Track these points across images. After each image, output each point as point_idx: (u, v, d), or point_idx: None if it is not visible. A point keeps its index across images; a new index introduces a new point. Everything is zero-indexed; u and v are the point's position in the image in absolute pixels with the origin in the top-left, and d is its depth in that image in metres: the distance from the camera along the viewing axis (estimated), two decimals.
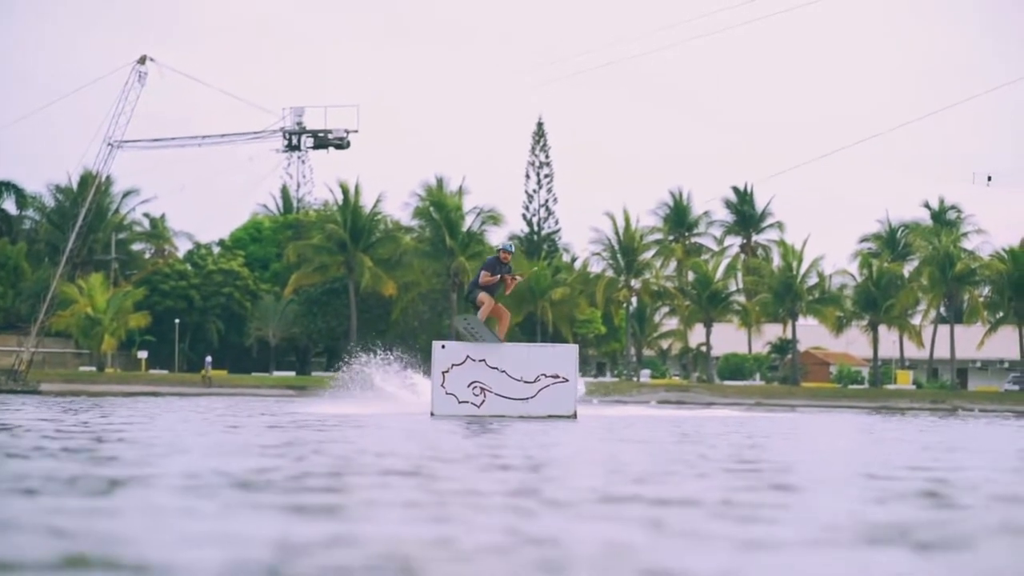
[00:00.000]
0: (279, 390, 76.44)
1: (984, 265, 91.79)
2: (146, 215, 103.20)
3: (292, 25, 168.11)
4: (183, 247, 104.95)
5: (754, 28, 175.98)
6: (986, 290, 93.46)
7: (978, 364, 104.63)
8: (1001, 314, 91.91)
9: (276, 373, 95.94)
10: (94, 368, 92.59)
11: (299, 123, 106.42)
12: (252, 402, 36.53)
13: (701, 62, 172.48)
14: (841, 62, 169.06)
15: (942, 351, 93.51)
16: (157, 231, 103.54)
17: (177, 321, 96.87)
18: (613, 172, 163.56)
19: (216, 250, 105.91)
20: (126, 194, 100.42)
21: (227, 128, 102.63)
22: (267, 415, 21.74)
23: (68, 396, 47.88)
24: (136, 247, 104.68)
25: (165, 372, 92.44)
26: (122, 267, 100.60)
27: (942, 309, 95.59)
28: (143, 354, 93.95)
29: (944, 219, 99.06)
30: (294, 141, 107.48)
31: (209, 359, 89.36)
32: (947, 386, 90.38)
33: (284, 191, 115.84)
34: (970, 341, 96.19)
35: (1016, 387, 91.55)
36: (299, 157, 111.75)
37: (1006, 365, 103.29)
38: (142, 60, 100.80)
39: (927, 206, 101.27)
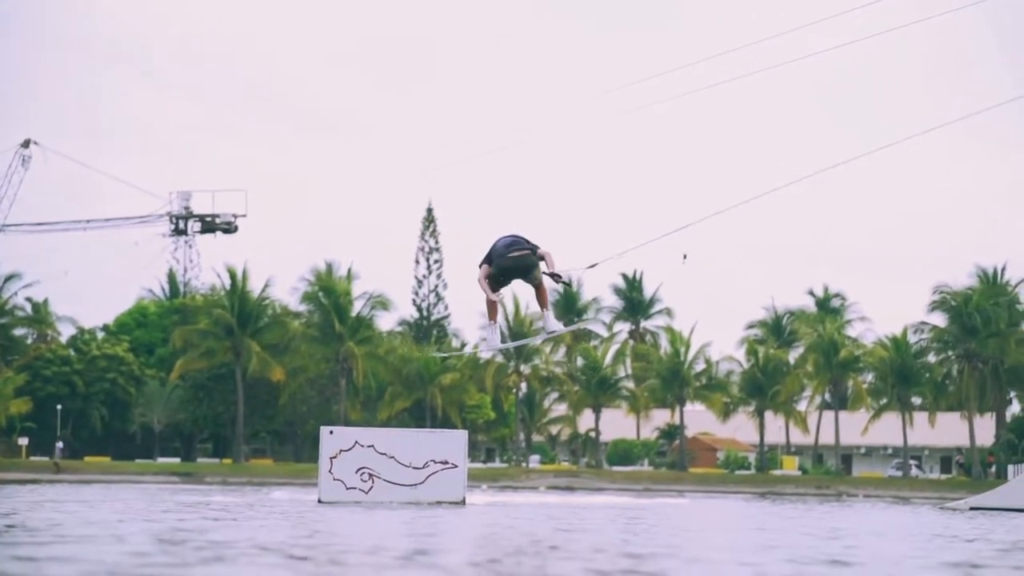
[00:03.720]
0: (163, 477, 75.23)
1: (868, 352, 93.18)
2: (28, 300, 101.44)
3: (179, 109, 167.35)
4: (66, 332, 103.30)
5: (640, 117, 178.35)
6: (870, 377, 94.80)
7: (862, 450, 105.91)
8: (885, 400, 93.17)
9: (160, 460, 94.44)
10: None
11: (186, 207, 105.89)
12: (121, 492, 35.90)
13: (586, 150, 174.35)
14: (730, 151, 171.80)
15: (827, 437, 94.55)
16: (40, 316, 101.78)
17: (59, 407, 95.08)
18: None
19: (100, 335, 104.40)
20: (8, 278, 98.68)
21: (112, 212, 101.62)
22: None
23: None
24: (18, 332, 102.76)
25: (46, 459, 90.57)
26: (3, 352, 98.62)
27: (827, 395, 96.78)
28: (23, 441, 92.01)
29: (829, 307, 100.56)
30: (181, 225, 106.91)
31: (60, 444, 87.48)
32: (832, 472, 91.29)
33: (171, 276, 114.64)
34: (854, 427, 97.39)
35: (899, 473, 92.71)
36: (186, 241, 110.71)
37: (889, 451, 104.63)
38: (25, 144, 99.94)
39: (812, 294, 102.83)
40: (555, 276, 19.38)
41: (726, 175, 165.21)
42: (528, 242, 19.33)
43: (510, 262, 19.02)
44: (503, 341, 19.28)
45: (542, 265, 19.35)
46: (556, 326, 20.33)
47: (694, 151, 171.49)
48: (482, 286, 19.57)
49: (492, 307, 19.85)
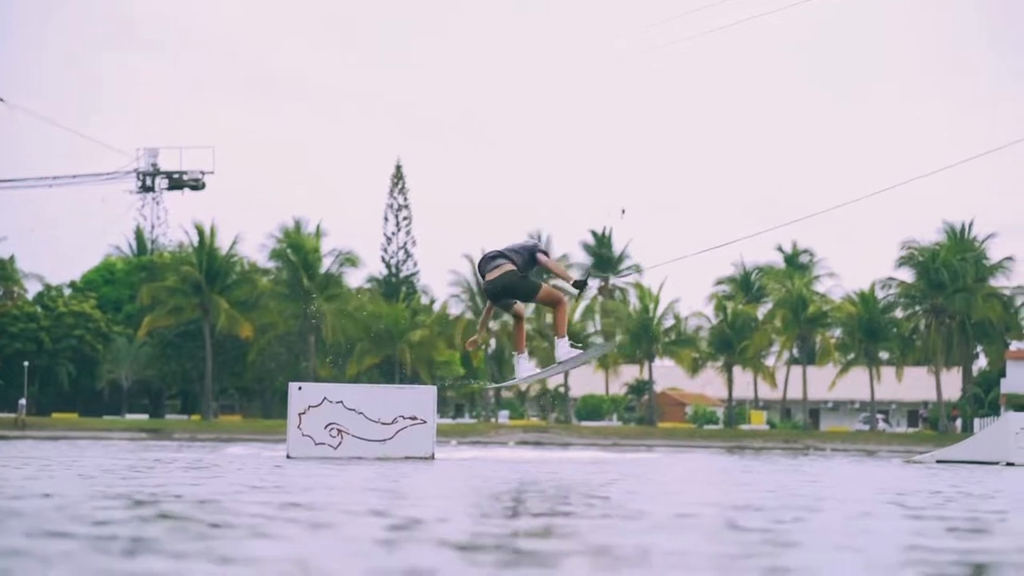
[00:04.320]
0: (131, 433, 75.09)
1: (835, 308, 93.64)
2: None
3: (146, 67, 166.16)
4: (33, 289, 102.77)
5: (606, 76, 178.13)
6: (837, 332, 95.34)
7: (830, 404, 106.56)
8: (852, 355, 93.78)
9: (128, 416, 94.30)
10: None
11: (153, 164, 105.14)
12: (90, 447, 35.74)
13: (557, 110, 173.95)
14: (699, 107, 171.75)
15: (795, 392, 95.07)
16: (6, 273, 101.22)
17: (26, 364, 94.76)
18: (472, 215, 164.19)
19: (67, 292, 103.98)
20: None
21: (79, 169, 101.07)
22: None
23: None
24: None
25: (12, 415, 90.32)
26: None
27: (795, 350, 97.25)
28: None
29: (797, 263, 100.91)
30: (148, 182, 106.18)
31: (23, 401, 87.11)
32: (799, 426, 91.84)
33: (138, 232, 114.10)
34: (822, 382, 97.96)
35: (866, 427, 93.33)
36: (153, 198, 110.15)
37: (856, 405, 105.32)
38: None
39: (780, 250, 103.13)
40: (578, 284, 15.69)
41: (698, 135, 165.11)
42: (512, 252, 15.94)
43: (489, 286, 15.74)
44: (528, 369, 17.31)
45: (546, 283, 16.07)
46: (568, 355, 16.24)
47: (663, 110, 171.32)
48: (480, 323, 17.17)
49: (516, 337, 16.93)
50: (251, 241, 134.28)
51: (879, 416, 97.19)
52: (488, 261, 15.89)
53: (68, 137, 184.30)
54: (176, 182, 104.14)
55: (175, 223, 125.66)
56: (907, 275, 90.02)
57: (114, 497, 9.44)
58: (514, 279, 15.62)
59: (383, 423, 23.09)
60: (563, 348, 16.09)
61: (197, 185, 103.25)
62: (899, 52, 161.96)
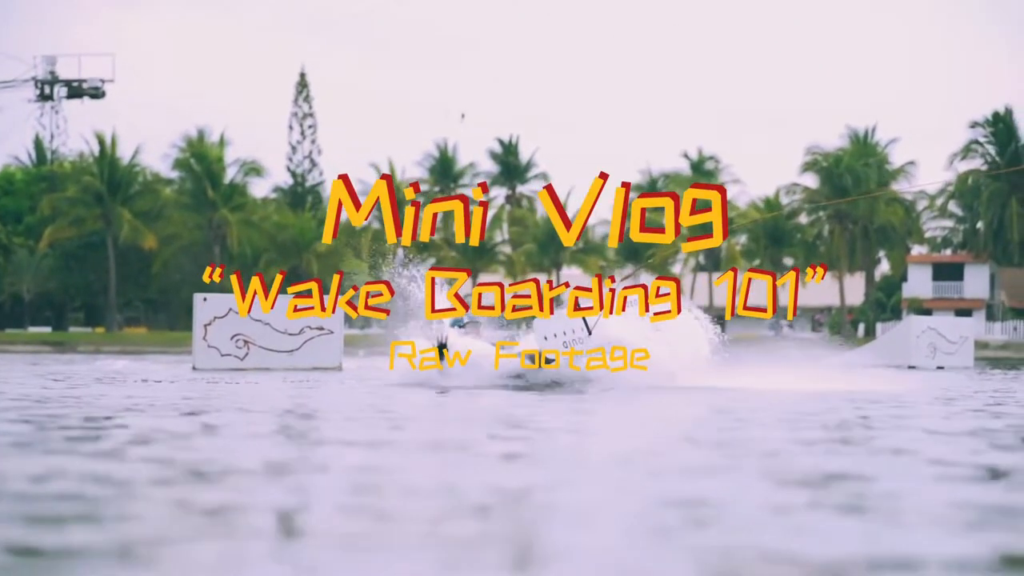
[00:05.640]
0: (34, 346, 74.20)
1: (741, 214, 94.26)
2: None
3: None
4: None
5: None
6: (743, 239, 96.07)
7: None
8: (758, 262, 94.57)
9: (31, 329, 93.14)
10: None
11: (51, 72, 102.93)
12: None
13: (465, 14, 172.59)
14: (604, 9, 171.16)
15: (701, 299, 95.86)
16: None
17: None
18: (378, 124, 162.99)
19: None
20: None
21: None
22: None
23: None
24: None
25: None
26: None
27: (701, 257, 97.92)
28: None
29: (703, 169, 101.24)
30: (46, 91, 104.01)
31: None
32: None
33: (37, 142, 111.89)
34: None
35: (772, 333, 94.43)
36: (52, 107, 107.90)
37: None
38: None
39: (686, 156, 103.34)
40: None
41: (607, 44, 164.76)
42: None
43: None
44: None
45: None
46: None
47: (576, 18, 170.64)
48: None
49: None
50: (154, 151, 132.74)
51: (783, 322, 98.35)
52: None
53: None
54: (75, 90, 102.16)
55: (75, 132, 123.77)
56: (811, 181, 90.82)
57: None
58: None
59: (290, 334, 22.97)
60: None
61: (97, 94, 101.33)
62: None
